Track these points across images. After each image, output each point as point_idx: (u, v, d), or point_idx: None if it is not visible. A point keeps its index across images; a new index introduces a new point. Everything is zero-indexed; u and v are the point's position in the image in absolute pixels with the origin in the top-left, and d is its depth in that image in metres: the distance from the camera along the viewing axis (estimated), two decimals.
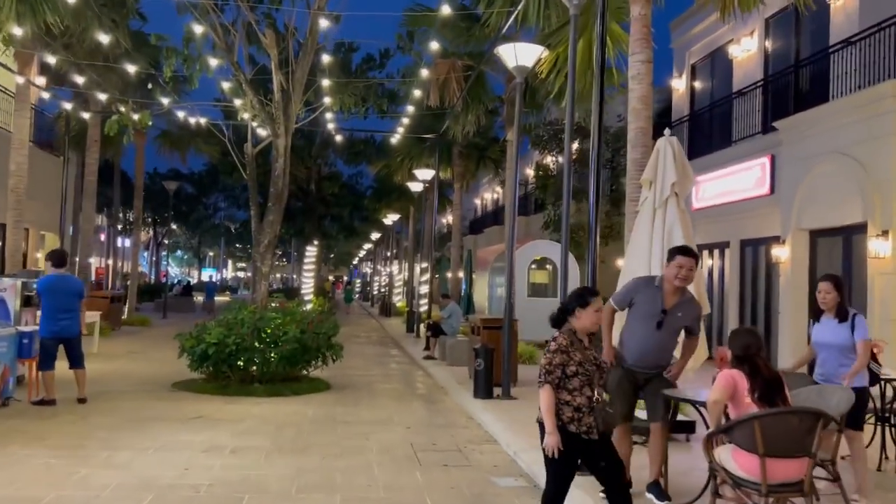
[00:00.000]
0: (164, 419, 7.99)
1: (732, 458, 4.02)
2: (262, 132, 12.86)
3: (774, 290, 13.81)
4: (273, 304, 12.43)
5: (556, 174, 21.96)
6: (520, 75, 9.87)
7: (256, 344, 9.94)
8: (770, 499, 3.88)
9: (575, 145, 21.16)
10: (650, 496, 5.11)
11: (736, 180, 14.59)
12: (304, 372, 10.87)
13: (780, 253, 12.78)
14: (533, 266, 19.25)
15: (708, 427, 5.08)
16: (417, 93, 15.20)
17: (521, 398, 9.67)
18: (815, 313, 5.49)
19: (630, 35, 8.79)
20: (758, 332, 4.26)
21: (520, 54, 9.63)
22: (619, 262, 18.10)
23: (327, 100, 11.26)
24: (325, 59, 11.37)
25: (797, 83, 14.03)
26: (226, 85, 11.50)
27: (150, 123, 12.12)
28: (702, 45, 17.90)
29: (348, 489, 5.59)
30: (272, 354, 9.97)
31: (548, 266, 20.68)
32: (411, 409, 9.39)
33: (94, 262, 43.31)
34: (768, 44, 15.27)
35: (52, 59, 14.88)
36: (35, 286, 9.22)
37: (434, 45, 12.76)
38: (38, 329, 8.81)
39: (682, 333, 5.29)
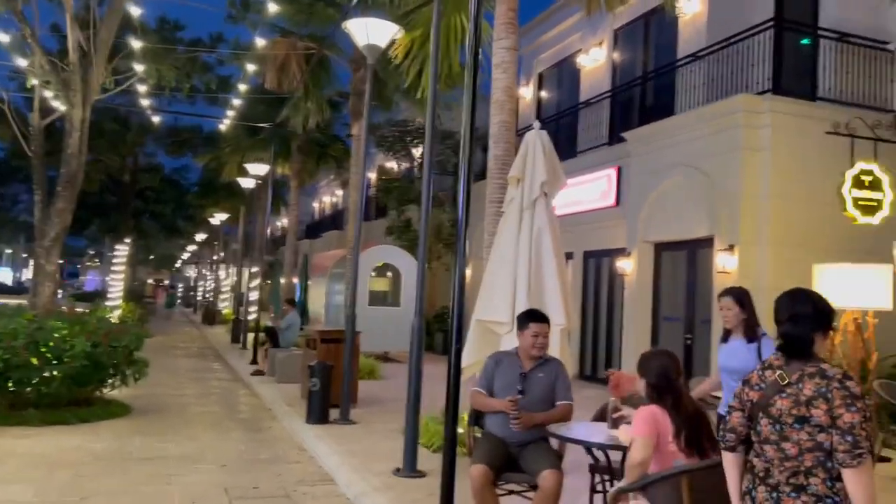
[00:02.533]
0: None
1: None
2: (58, 106, 10.71)
3: (617, 302, 13.68)
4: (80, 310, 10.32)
5: (401, 178, 21.06)
6: (371, 56, 8.74)
7: (33, 360, 7.97)
8: None
9: (420, 150, 20.41)
10: None
11: (582, 191, 14.37)
12: (98, 393, 8.98)
13: (625, 265, 12.61)
14: (373, 273, 18.13)
15: (601, 474, 4.24)
16: (251, 67, 13.54)
17: (361, 422, 8.48)
18: (725, 333, 4.79)
19: (495, 19, 7.97)
20: (673, 352, 3.40)
21: (372, 31, 8.51)
22: (467, 271, 17.52)
23: (140, 67, 9.45)
24: (137, 14, 9.50)
25: (644, 95, 14.06)
26: (4, 38, 9.33)
27: None
28: (550, 53, 17.76)
29: None
30: (53, 372, 8.04)
31: (388, 273, 19.65)
32: (230, 439, 7.88)
33: None
34: (616, 55, 15.28)
35: None
36: None
37: (272, 7, 11.15)
38: None
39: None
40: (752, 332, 4.55)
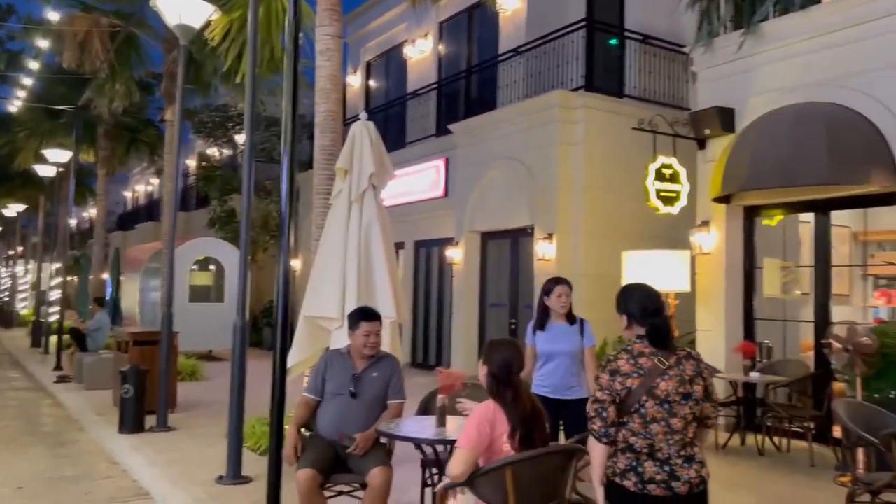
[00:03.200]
0: None
1: None
2: None
3: (447, 290, 13.96)
4: None
5: (223, 166, 20.05)
6: (183, 37, 8.16)
7: None
8: None
9: (243, 136, 19.54)
10: None
11: (412, 181, 14.47)
12: None
13: (454, 254, 12.88)
14: (195, 267, 17.14)
15: (430, 468, 4.24)
16: (45, 44, 12.17)
17: (181, 427, 7.97)
18: (540, 320, 5.01)
19: (318, 4, 7.73)
20: (518, 346, 3.41)
21: (184, 11, 7.94)
22: (295, 265, 17.03)
23: None
24: None
25: (469, 88, 14.39)
26: None
27: None
28: (378, 42, 17.69)
29: None
30: None
31: (211, 267, 18.69)
32: (28, 457, 7.07)
33: None
34: (442, 47, 15.51)
35: None
36: None
37: None
38: None
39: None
40: (572, 316, 4.92)
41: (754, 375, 7.34)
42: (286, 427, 4.44)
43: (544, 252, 10.67)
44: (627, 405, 2.79)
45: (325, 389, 4.42)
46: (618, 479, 2.79)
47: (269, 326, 18.30)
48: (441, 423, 3.91)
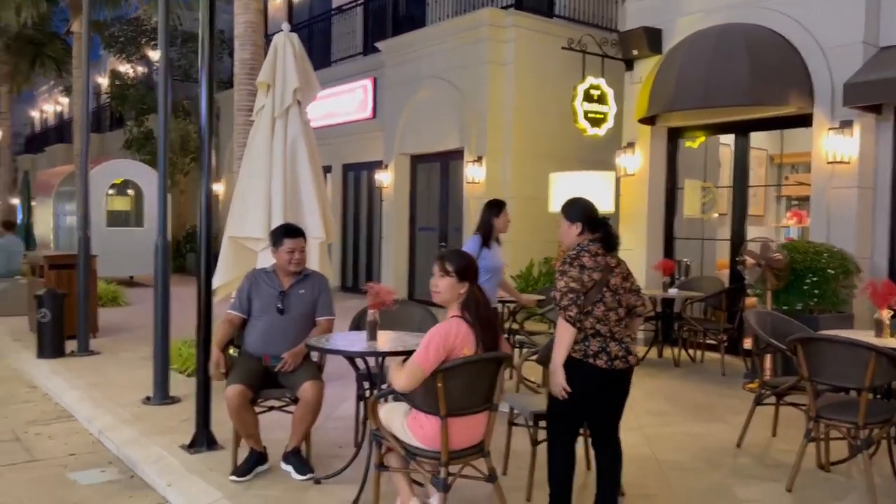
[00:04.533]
0: None
1: (408, 425, 3.20)
2: None
3: (377, 214, 13.87)
4: None
5: (136, 84, 19.01)
6: None
7: None
8: (450, 467, 3.18)
9: (158, 52, 18.52)
10: (287, 468, 4.12)
11: (338, 102, 14.09)
12: None
13: (383, 178, 12.74)
14: (111, 192, 16.41)
15: (363, 382, 4.28)
16: None
17: (104, 352, 7.79)
18: (485, 239, 5.39)
19: None
20: (471, 256, 3.39)
21: None
22: (215, 187, 16.52)
23: None
24: None
25: (397, 5, 13.93)
26: None
27: None
28: None
29: None
30: None
31: (129, 192, 17.94)
32: None
33: None
34: None
35: None
36: None
37: None
38: None
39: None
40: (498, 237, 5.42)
41: (672, 291, 7.65)
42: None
43: (474, 175, 10.68)
44: (591, 296, 3.20)
45: (252, 308, 4.36)
46: (591, 360, 3.21)
47: (192, 252, 17.86)
48: (372, 336, 3.93)
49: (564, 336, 3.16)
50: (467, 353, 3.12)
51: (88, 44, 8.27)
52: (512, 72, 10.54)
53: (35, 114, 36.68)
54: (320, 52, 14.98)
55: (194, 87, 18.62)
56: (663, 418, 5.55)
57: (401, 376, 3.12)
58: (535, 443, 3.82)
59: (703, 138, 8.79)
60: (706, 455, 4.68)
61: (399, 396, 3.29)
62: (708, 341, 7.78)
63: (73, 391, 6.13)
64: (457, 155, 11.33)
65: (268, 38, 7.48)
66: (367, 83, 13.60)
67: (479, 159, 10.64)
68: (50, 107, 34.13)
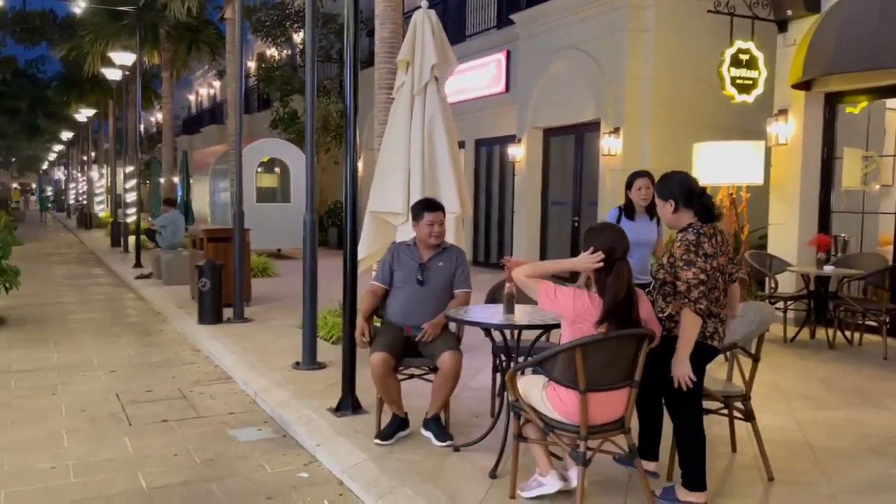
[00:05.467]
0: None
1: (548, 397, 3.22)
2: None
3: (508, 189, 13.87)
4: None
5: (283, 67, 19.95)
6: None
7: None
8: (589, 442, 3.17)
9: (301, 35, 19.31)
10: (427, 434, 4.26)
11: (472, 77, 14.15)
12: None
13: (516, 152, 12.70)
14: (259, 169, 17.44)
15: (499, 355, 4.33)
16: None
17: (256, 319, 8.35)
18: (627, 211, 5.15)
19: None
20: (620, 228, 3.32)
21: None
22: (359, 164, 17.13)
23: None
24: None
25: None
26: None
27: None
28: None
29: (18, 478, 3.94)
30: None
31: (276, 169, 18.98)
32: (118, 345, 7.56)
33: None
34: None
35: None
36: None
37: None
38: None
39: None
40: (653, 210, 4.96)
41: (828, 269, 7.15)
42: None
43: (610, 147, 10.41)
44: (712, 280, 3.19)
45: (394, 279, 4.51)
46: (708, 341, 3.26)
47: (334, 226, 18.68)
48: (509, 310, 3.96)
49: (694, 329, 3.16)
50: (586, 327, 3.08)
51: (241, 28, 8.76)
52: (652, 39, 10.13)
53: (191, 97, 39.45)
54: (454, 28, 15.05)
55: (333, 67, 19.33)
56: (817, 402, 5.22)
57: (527, 275, 3.23)
58: None
59: (865, 103, 8.07)
60: (868, 443, 4.37)
61: (538, 369, 3.31)
62: (868, 322, 7.21)
63: (230, 355, 6.63)
64: (592, 127, 11.09)
65: (406, 15, 7.60)
66: (501, 57, 13.55)
67: (616, 130, 10.35)
68: (204, 90, 36.59)
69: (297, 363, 6.09)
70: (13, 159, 57.24)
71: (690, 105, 10.09)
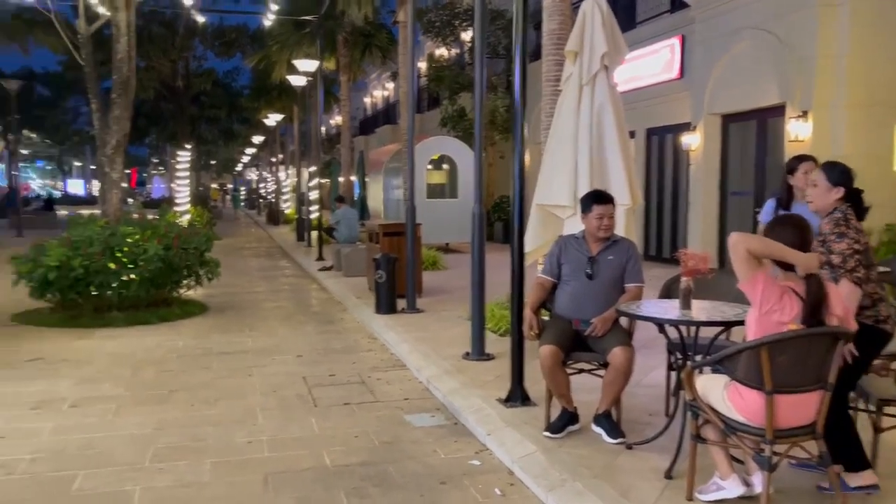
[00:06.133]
0: None
1: (729, 397, 3.05)
2: (104, 12, 10.58)
3: (682, 179, 13.27)
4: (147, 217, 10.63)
5: (451, 65, 20.42)
6: None
7: (110, 265, 8.30)
8: (776, 447, 2.97)
9: (469, 33, 19.65)
10: (598, 430, 4.19)
11: (642, 65, 13.68)
12: (175, 294, 9.37)
13: (691, 140, 12.12)
14: (429, 167, 18.01)
15: (675, 352, 4.18)
16: None
17: (427, 310, 8.64)
18: (785, 200, 4.65)
19: None
20: (805, 221, 3.12)
21: None
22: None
23: None
24: None
25: None
26: None
27: None
28: None
29: (222, 450, 4.37)
30: (131, 276, 8.38)
31: (445, 165, 19.50)
32: (304, 331, 8.15)
33: None
34: None
35: None
36: None
37: None
38: None
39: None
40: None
41: None
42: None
43: (797, 132, 9.63)
44: (868, 259, 3.17)
45: (562, 273, 4.48)
46: (881, 325, 3.20)
47: (500, 221, 18.86)
48: (685, 305, 3.80)
49: (854, 297, 3.09)
50: (776, 322, 2.87)
51: (413, 30, 9.08)
52: (846, 13, 9.24)
53: (366, 99, 41.45)
54: (623, 16, 14.59)
55: (500, 62, 19.48)
56: None
57: (754, 250, 2.97)
58: (877, 430, 3.39)
59: None
60: None
61: (718, 368, 3.15)
62: None
63: (404, 343, 6.92)
64: (776, 111, 10.32)
65: (574, 6, 7.51)
66: (675, 42, 12.99)
67: (805, 114, 9.56)
68: (378, 92, 38.29)
69: (467, 353, 6.23)
70: (212, 162, 63.32)
71: (891, 84, 9.10)
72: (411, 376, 6.08)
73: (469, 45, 19.14)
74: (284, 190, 34.67)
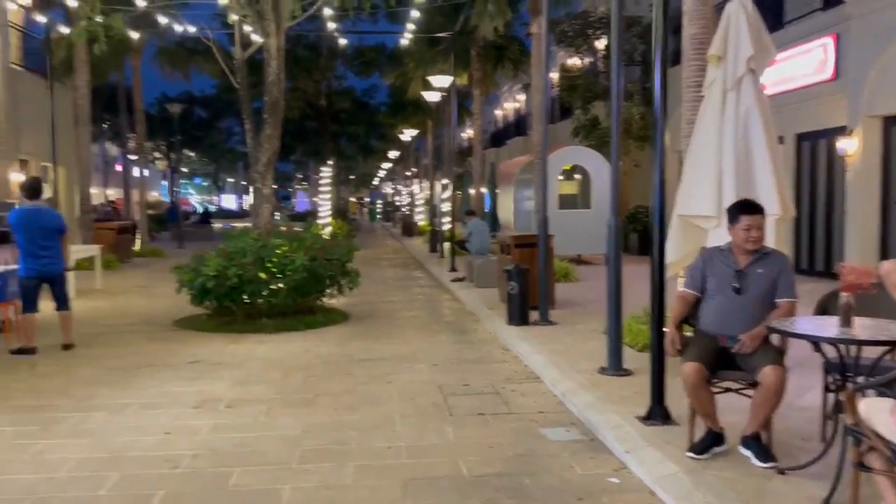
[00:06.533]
0: (156, 365, 7.00)
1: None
2: (256, 39, 11.35)
3: (837, 188, 12.36)
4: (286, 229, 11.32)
5: (584, 74, 20.18)
6: None
7: (261, 275, 8.86)
8: None
9: (603, 42, 19.33)
10: (746, 453, 3.97)
11: (792, 66, 12.89)
12: (319, 302, 9.84)
13: (847, 145, 11.27)
14: (560, 177, 17.84)
15: (833, 372, 3.90)
16: None
17: (560, 322, 8.55)
18: None
19: None
20: None
21: None
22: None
23: None
24: None
25: None
26: None
27: (124, 28, 10.63)
28: None
29: (363, 454, 4.53)
30: (279, 285, 8.89)
31: (576, 176, 19.25)
32: (438, 341, 8.30)
33: (112, 192, 42.54)
34: None
35: None
36: (8, 220, 8.13)
37: None
38: (17, 268, 7.78)
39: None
40: None
41: None
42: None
43: None
44: None
45: (707, 286, 4.30)
46: None
47: (635, 232, 18.36)
48: (846, 322, 3.53)
49: None
50: None
51: (547, 41, 9.07)
52: None
53: (497, 112, 41.78)
54: (769, 17, 13.79)
55: (635, 70, 19.02)
56: None
57: None
58: None
59: None
60: None
61: (885, 391, 2.91)
62: None
63: (537, 356, 6.89)
64: None
65: (716, 7, 7.22)
66: (828, 41, 12.15)
67: None
68: (509, 104, 38.49)
69: (603, 368, 6.11)
70: (351, 177, 66.08)
71: None
72: (545, 389, 6.03)
73: (603, 53, 18.84)
74: (418, 202, 35.56)
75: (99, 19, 10.08)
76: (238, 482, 4.10)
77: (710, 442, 4.08)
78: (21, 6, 15.15)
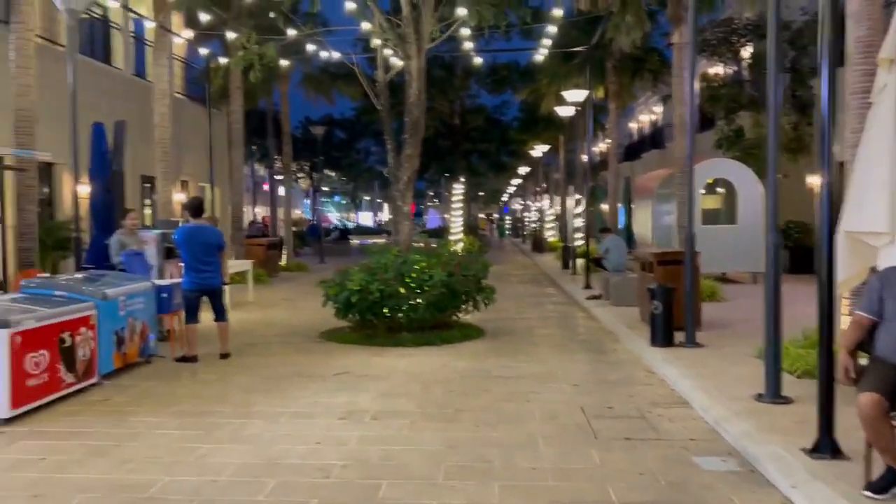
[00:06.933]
0: (305, 376, 7.31)
1: None
2: (397, 62, 11.72)
3: None
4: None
5: (727, 84, 19.29)
6: None
7: (401, 290, 9.06)
8: None
9: (748, 50, 18.38)
10: None
11: None
12: (455, 317, 9.94)
13: None
14: (702, 191, 17.05)
15: None
16: None
17: (708, 345, 8.13)
18: None
19: None
20: None
21: None
22: (810, 180, 15.56)
23: (462, 11, 9.82)
24: None
25: None
26: (351, 5, 10.43)
27: (276, 56, 11.27)
28: None
29: (508, 474, 4.48)
30: (418, 300, 9.06)
31: (719, 189, 18.33)
32: (576, 360, 8.13)
33: (259, 210, 45.38)
34: None
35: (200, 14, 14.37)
36: (173, 237, 8.83)
37: None
38: (181, 282, 8.43)
39: None
40: None
41: None
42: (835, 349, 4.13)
43: None
44: None
45: (884, 310, 3.94)
46: None
47: (786, 248, 17.23)
48: None
49: None
50: None
51: (693, 50, 8.74)
52: None
53: (632, 125, 40.80)
54: None
55: (784, 77, 17.94)
56: None
57: None
58: None
59: None
60: None
61: None
62: None
63: (685, 380, 6.57)
64: None
65: (886, 5, 6.68)
66: None
67: None
68: (645, 117, 37.49)
69: (760, 395, 5.72)
70: (480, 193, 66.65)
71: None
72: (696, 415, 5.73)
73: (748, 61, 17.91)
74: (548, 218, 35.26)
75: (254, 48, 10.77)
76: (386, 495, 4.16)
77: (891, 480, 3.71)
78: (186, 39, 16.51)
